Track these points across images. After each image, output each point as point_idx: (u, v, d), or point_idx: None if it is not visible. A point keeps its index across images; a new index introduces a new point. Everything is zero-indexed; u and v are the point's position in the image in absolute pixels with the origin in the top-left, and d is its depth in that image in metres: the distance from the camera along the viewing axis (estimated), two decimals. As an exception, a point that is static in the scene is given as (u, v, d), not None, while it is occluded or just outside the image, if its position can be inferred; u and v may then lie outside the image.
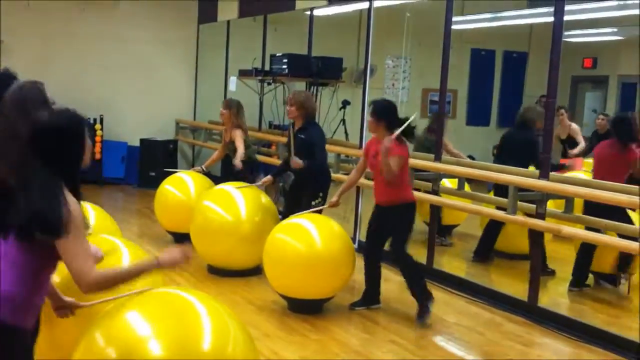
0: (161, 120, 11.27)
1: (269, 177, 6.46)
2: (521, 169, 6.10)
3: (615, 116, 7.66)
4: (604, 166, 5.98)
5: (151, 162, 10.73)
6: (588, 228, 5.52)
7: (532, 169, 6.34)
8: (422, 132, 7.44)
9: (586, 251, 5.95)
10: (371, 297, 5.56)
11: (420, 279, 5.37)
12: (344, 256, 5.26)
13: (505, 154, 6.75)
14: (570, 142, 8.33)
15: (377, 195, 5.44)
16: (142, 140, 10.93)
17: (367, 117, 5.34)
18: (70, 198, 2.54)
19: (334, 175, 6.73)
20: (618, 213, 5.43)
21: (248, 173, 6.73)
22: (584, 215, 5.57)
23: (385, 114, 5.27)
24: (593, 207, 5.54)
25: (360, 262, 5.53)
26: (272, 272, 5.40)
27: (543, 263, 6.33)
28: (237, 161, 6.72)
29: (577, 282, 6.12)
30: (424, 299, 5.29)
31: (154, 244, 7.34)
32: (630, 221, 5.58)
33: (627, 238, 5.10)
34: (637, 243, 4.85)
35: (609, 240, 5.26)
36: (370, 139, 5.56)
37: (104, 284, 2.62)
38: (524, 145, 6.55)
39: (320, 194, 6.05)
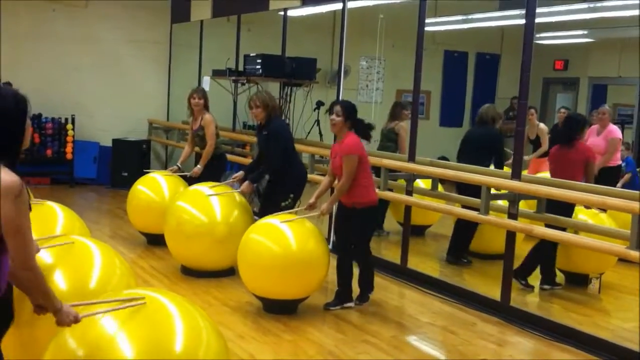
0: (134, 121, 11.18)
1: (240, 172, 6.45)
2: (494, 169, 6.17)
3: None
4: (558, 167, 6.09)
5: (123, 163, 10.66)
6: (548, 225, 5.59)
7: (492, 166, 6.48)
8: (384, 125, 7.66)
9: (545, 249, 6.03)
10: (344, 295, 5.58)
11: (370, 277, 5.64)
12: (318, 257, 5.25)
13: (467, 152, 6.83)
14: (538, 142, 8.43)
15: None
16: (114, 141, 10.85)
17: (333, 116, 5.36)
18: (9, 172, 2.43)
19: (309, 176, 6.73)
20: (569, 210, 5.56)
21: (218, 165, 6.74)
22: (555, 215, 5.63)
23: (352, 114, 5.37)
24: (552, 205, 5.62)
25: (334, 262, 5.53)
26: (246, 272, 5.38)
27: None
28: (200, 167, 6.94)
29: (547, 280, 6.18)
30: (367, 291, 5.63)
31: (126, 244, 7.28)
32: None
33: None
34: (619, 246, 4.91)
35: (579, 240, 5.31)
36: (336, 143, 5.60)
37: (33, 280, 2.54)
38: (486, 139, 6.70)
39: (291, 195, 6.04)
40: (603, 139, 7.58)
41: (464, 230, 6.85)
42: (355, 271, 5.60)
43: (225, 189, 6.30)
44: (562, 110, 9.01)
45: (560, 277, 6.34)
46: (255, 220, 5.91)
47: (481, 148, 6.71)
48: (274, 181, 6.17)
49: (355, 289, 5.63)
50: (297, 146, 6.62)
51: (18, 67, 9.79)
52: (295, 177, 6.16)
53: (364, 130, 5.48)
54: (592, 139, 7.53)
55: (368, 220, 5.54)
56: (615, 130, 7.73)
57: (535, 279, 6.24)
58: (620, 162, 7.75)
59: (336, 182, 5.50)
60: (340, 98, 7.49)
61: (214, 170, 6.99)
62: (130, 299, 2.83)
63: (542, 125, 8.50)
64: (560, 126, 7.83)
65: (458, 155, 6.96)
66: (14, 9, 10.20)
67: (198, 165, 7.04)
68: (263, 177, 6.22)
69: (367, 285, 5.63)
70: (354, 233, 5.47)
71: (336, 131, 5.43)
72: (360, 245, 5.54)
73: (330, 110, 5.46)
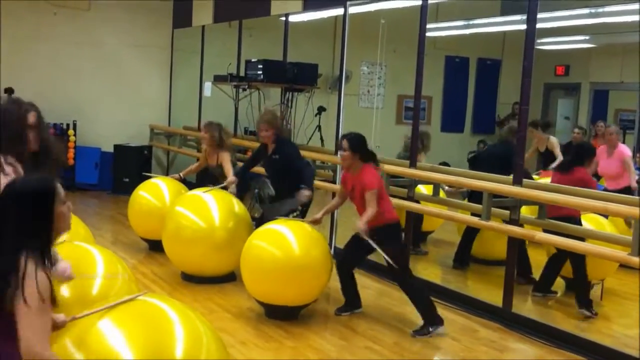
0: (135, 126, 11.17)
1: (232, 177, 6.46)
2: (495, 175, 6.15)
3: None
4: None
5: (125, 168, 10.66)
6: (546, 231, 5.57)
7: None
8: (402, 150, 7.58)
9: (558, 259, 6.01)
10: (353, 302, 5.57)
11: (426, 301, 5.28)
12: (321, 262, 5.25)
13: (485, 167, 6.76)
14: (549, 154, 8.37)
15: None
16: (115, 146, 10.84)
17: (341, 152, 5.31)
18: (37, 269, 2.37)
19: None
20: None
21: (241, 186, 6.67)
22: (557, 222, 5.61)
23: (360, 146, 5.28)
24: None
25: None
26: (249, 278, 5.38)
27: (527, 271, 6.35)
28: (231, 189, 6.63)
29: (542, 287, 6.16)
30: (428, 321, 5.22)
31: (128, 250, 7.28)
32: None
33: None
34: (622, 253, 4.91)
35: (581, 246, 5.30)
36: (345, 172, 5.52)
37: None
38: (503, 159, 6.56)
39: (299, 208, 6.04)
40: (616, 160, 7.48)
41: (470, 235, 6.86)
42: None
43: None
44: (577, 130, 8.90)
45: (560, 284, 6.33)
46: (255, 226, 5.92)
47: (501, 164, 6.58)
48: (285, 194, 6.16)
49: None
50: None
51: (19, 72, 9.80)
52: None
53: (373, 160, 5.35)
54: (603, 161, 7.44)
55: (391, 236, 5.29)
56: (625, 150, 7.68)
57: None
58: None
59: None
60: (342, 104, 7.50)
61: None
62: (130, 297, 2.87)
63: (552, 138, 8.40)
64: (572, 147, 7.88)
65: (472, 165, 6.87)
66: (16, 12, 10.21)
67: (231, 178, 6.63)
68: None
69: (426, 314, 5.24)
70: (386, 252, 5.17)
71: (347, 165, 5.35)
72: (398, 271, 5.21)
73: (339, 145, 5.41)
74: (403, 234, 6.54)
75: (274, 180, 6.43)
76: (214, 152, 6.96)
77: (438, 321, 5.24)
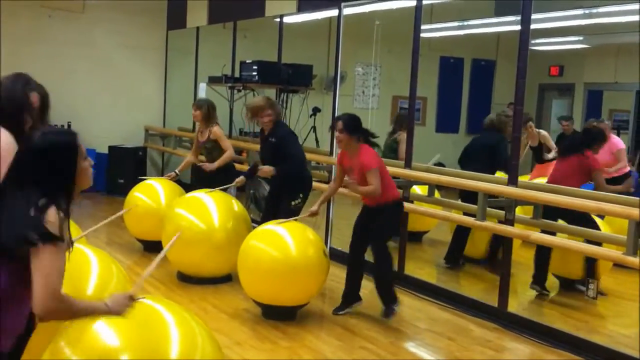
0: (130, 127, 11.16)
1: (241, 177, 6.48)
2: (489, 175, 6.16)
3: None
4: (558, 173, 6.08)
5: (120, 170, 10.65)
6: (544, 231, 5.58)
7: (499, 174, 6.45)
8: (387, 136, 7.62)
9: (542, 252, 6.06)
10: (352, 297, 5.57)
11: (388, 284, 5.42)
12: (318, 263, 5.25)
13: (468, 158, 6.83)
14: (540, 149, 8.42)
15: (364, 199, 5.50)
16: (110, 148, 10.83)
17: (337, 133, 5.32)
18: (50, 212, 2.33)
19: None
20: (584, 219, 5.53)
21: (222, 177, 6.67)
22: (553, 222, 5.63)
23: (355, 127, 5.32)
24: (559, 211, 5.60)
25: (332, 269, 5.51)
26: (246, 278, 5.38)
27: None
28: (215, 164, 6.72)
29: (537, 281, 6.18)
30: (389, 301, 5.39)
31: (123, 252, 7.27)
32: (596, 226, 5.68)
33: (593, 244, 5.23)
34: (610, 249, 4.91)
35: (576, 245, 5.31)
36: (342, 151, 5.54)
37: (63, 311, 2.40)
38: (488, 148, 6.67)
39: (301, 195, 6.03)
40: (607, 152, 7.53)
41: (462, 235, 6.87)
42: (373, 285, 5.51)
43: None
44: (564, 122, 9.02)
45: (555, 283, 6.34)
46: (255, 227, 5.92)
47: (482, 156, 6.65)
48: (281, 184, 6.14)
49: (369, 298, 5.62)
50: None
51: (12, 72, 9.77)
52: (302, 177, 6.17)
53: (370, 140, 5.41)
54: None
55: (393, 215, 5.45)
56: (617, 141, 7.74)
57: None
58: (627, 170, 7.75)
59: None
60: (337, 105, 7.50)
61: (226, 178, 6.74)
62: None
63: (542, 131, 8.49)
64: (569, 136, 7.94)
65: (461, 160, 6.93)
66: (11, 14, 10.18)
67: (214, 163, 6.79)
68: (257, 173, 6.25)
69: (388, 296, 5.41)
70: (377, 228, 5.36)
71: (343, 147, 5.39)
72: (378, 242, 5.37)
73: (332, 127, 5.41)
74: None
75: (269, 164, 6.35)
76: (205, 128, 6.96)
77: (394, 301, 5.41)
